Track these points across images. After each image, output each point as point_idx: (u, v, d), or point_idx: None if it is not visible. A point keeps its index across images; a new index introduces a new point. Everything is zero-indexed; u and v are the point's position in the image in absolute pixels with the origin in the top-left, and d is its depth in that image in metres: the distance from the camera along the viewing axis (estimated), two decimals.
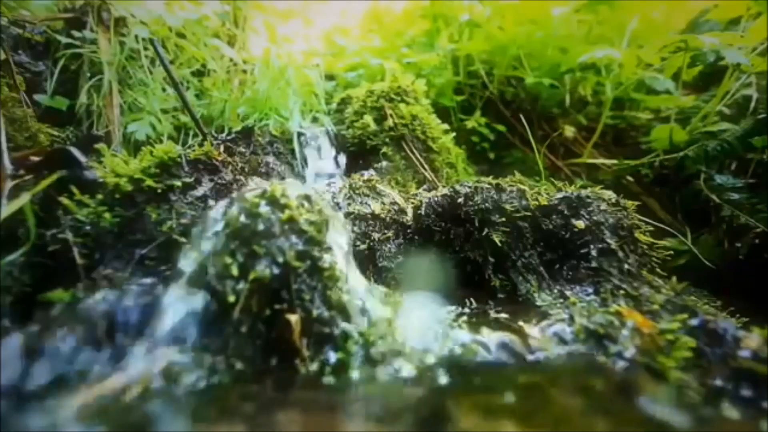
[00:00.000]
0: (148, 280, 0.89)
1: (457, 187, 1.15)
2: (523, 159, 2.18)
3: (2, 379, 0.68)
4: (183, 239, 0.94)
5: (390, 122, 1.77)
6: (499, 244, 1.05)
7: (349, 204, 1.20)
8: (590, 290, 0.98)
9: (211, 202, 1.04)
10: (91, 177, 1.01)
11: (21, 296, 0.87)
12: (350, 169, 1.75)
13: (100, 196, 0.99)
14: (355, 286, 0.86)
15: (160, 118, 1.65)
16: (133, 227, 0.97)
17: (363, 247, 1.11)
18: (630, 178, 1.99)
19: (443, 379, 0.72)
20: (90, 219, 0.95)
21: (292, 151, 1.67)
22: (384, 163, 1.70)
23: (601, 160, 2.08)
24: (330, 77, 2.43)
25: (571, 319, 0.87)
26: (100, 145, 1.13)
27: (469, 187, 1.12)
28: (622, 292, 0.95)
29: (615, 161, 2.02)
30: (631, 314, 0.85)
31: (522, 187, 1.12)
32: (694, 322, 0.82)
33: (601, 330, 0.82)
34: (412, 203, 1.25)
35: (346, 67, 2.51)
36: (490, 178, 1.16)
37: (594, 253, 1.02)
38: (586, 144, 2.13)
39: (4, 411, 0.64)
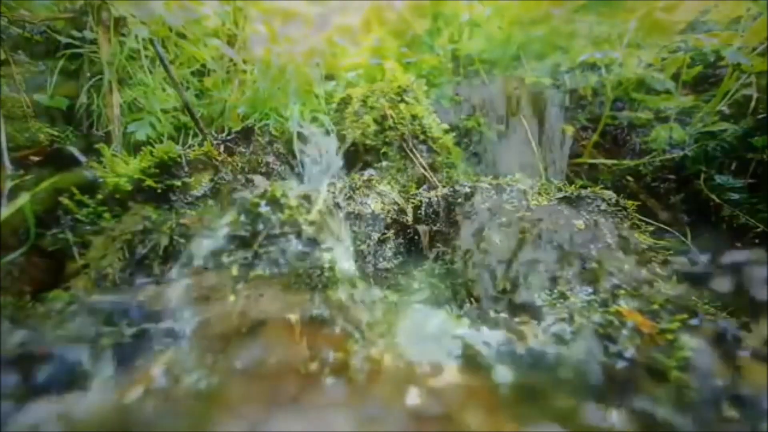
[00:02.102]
0: (148, 280, 0.89)
1: (457, 187, 1.15)
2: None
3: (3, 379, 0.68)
4: (182, 239, 0.94)
5: (390, 122, 1.77)
6: (499, 244, 1.05)
7: (349, 204, 1.20)
8: (590, 290, 0.98)
9: (211, 202, 1.04)
10: (91, 177, 1.01)
11: (21, 296, 0.87)
12: (350, 169, 1.75)
13: (100, 196, 0.99)
14: (355, 286, 0.86)
15: (160, 118, 1.65)
16: (133, 227, 0.97)
17: (363, 247, 1.11)
18: (630, 178, 1.99)
19: (443, 379, 0.72)
20: (90, 219, 0.95)
21: (292, 151, 1.67)
22: (384, 163, 1.70)
23: (601, 160, 2.08)
24: (330, 77, 2.42)
25: (571, 319, 0.86)
26: (100, 145, 1.14)
27: (469, 187, 1.13)
28: (622, 292, 0.95)
29: (615, 161, 2.02)
30: (631, 314, 0.85)
31: (522, 187, 1.12)
32: (694, 322, 0.82)
33: (601, 330, 0.82)
34: (412, 203, 1.25)
35: (346, 67, 2.50)
36: (490, 178, 1.16)
37: (594, 253, 1.02)
38: (586, 144, 2.13)
39: (4, 411, 0.64)
